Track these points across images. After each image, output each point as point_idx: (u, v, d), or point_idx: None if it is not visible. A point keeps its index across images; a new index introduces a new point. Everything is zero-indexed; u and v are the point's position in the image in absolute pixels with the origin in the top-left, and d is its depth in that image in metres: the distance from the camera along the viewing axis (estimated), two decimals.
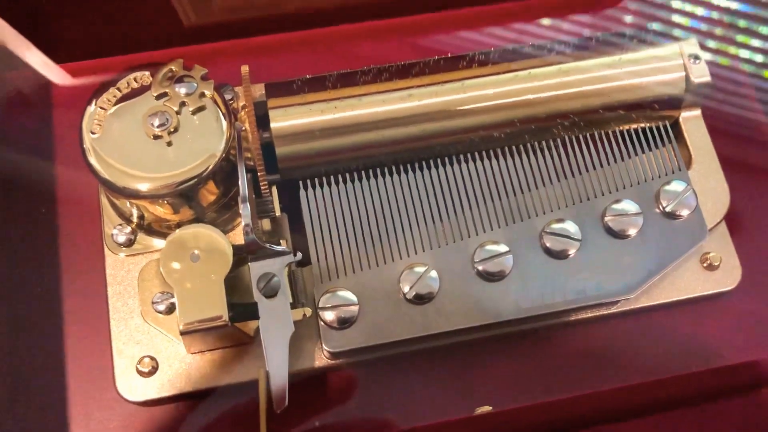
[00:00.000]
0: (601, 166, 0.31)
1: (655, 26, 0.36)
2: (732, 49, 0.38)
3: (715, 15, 0.38)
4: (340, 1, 0.37)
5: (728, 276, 0.31)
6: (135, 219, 0.30)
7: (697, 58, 0.32)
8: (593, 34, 0.35)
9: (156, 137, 0.28)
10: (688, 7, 0.39)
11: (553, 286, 0.29)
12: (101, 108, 0.28)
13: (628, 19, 0.39)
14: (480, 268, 0.29)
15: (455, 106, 0.30)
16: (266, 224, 0.29)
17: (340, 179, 0.30)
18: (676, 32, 0.37)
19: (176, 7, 0.35)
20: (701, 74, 0.32)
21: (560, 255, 0.29)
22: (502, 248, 0.29)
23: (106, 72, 0.33)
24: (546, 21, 0.38)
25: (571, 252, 0.29)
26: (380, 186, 0.30)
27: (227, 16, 0.36)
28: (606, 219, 0.30)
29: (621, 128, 0.32)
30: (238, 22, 0.37)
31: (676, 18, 0.38)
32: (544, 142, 0.31)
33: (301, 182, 0.30)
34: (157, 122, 0.28)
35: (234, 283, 0.28)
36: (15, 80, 0.36)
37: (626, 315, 0.31)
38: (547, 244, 0.29)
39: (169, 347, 0.28)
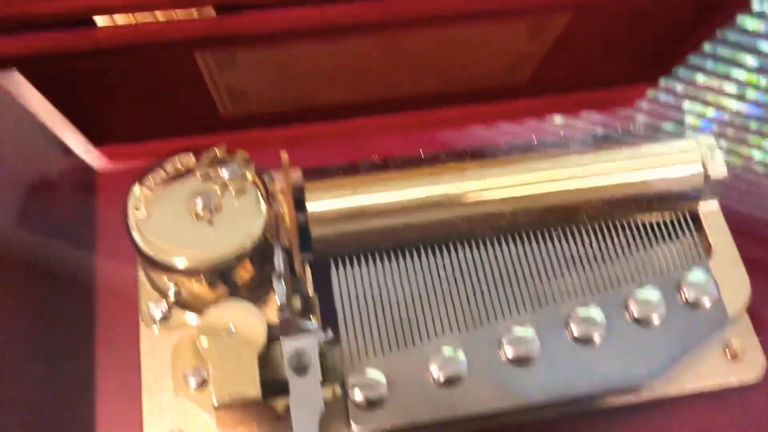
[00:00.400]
0: (624, 254, 0.32)
1: (668, 126, 0.38)
2: (744, 149, 0.39)
3: (726, 116, 0.40)
4: (366, 96, 0.39)
5: (752, 367, 0.31)
6: (171, 295, 0.31)
7: (714, 152, 0.33)
8: (608, 131, 0.36)
9: (198, 217, 0.29)
10: (699, 108, 0.41)
11: (578, 371, 0.29)
12: (147, 188, 0.30)
13: (642, 118, 0.41)
14: (507, 352, 0.29)
15: (483, 194, 0.32)
16: (298, 302, 0.30)
17: (371, 259, 0.31)
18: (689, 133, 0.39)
19: (215, 97, 0.37)
20: (718, 168, 0.33)
21: (586, 341, 0.30)
22: (529, 333, 0.30)
23: (144, 156, 0.35)
24: (558, 119, 0.40)
25: (597, 338, 0.30)
26: (410, 267, 0.31)
27: (262, 107, 0.39)
28: (630, 306, 0.30)
29: (642, 218, 0.33)
30: (272, 113, 0.39)
31: (689, 119, 0.40)
32: (568, 229, 0.32)
33: (332, 261, 0.31)
34: (200, 202, 0.29)
35: (266, 360, 0.28)
36: (58, 162, 0.38)
37: (650, 404, 0.31)
38: (573, 330, 0.30)
39: (201, 422, 0.29)
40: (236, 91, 0.38)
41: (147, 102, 0.37)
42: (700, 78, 0.41)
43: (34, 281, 0.34)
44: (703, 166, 0.33)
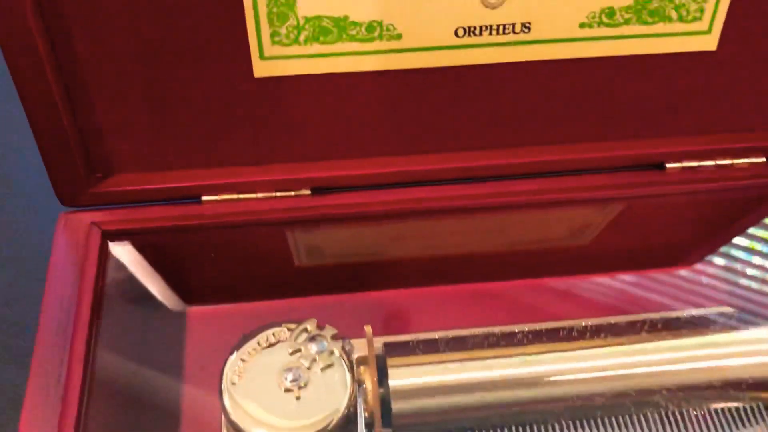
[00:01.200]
0: None
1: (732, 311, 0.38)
2: None
3: None
4: (437, 264, 0.41)
5: None
6: None
7: None
8: (681, 312, 0.37)
9: (287, 390, 0.31)
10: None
11: None
12: (242, 359, 0.32)
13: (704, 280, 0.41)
14: None
15: (567, 374, 0.32)
16: None
17: None
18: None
19: (294, 257, 0.39)
20: None
21: None
22: None
23: (225, 317, 0.37)
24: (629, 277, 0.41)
25: None
26: None
27: (336, 263, 0.41)
28: None
29: (719, 405, 0.33)
30: (347, 274, 0.41)
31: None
32: (642, 415, 0.32)
33: None
34: (290, 377, 0.31)
35: None
36: (148, 318, 0.41)
37: None
38: None
39: None
40: (308, 256, 0.40)
41: (225, 272, 0.40)
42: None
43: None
44: None
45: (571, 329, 0.34)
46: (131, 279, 0.37)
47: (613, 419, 0.32)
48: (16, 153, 0.50)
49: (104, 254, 0.34)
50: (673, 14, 0.34)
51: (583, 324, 0.34)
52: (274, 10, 0.31)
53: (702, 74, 0.36)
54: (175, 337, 0.40)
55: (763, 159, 0.38)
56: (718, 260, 0.41)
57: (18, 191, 0.48)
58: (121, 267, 0.36)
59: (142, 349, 0.39)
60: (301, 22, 0.32)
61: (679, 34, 0.35)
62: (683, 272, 0.42)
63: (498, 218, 0.38)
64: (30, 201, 0.47)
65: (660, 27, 0.34)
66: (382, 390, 0.32)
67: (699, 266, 0.41)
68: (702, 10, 0.34)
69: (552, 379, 0.32)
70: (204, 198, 0.36)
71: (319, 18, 0.32)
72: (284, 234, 0.38)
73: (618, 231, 0.40)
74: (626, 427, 0.32)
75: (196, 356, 0.39)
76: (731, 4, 0.34)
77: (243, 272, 0.39)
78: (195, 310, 0.41)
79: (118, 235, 0.35)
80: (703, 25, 0.35)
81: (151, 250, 0.37)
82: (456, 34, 0.33)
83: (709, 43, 0.35)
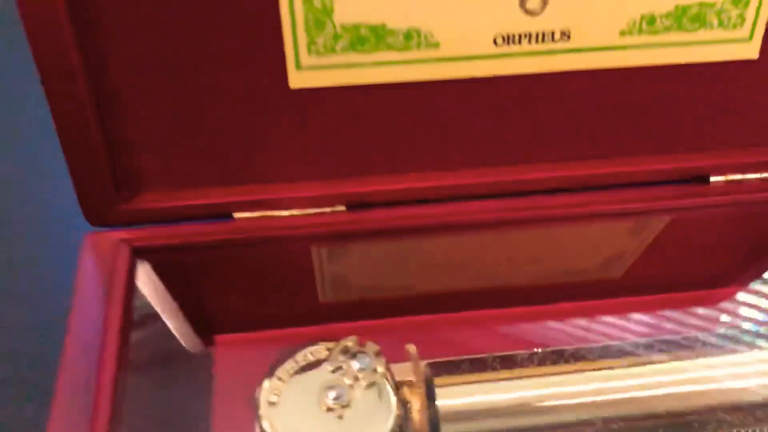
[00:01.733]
0: None
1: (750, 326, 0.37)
2: None
3: None
4: (462, 290, 0.39)
5: None
6: None
7: None
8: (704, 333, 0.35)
9: (329, 410, 0.29)
10: None
11: None
12: (279, 379, 0.30)
13: (744, 311, 0.40)
14: None
15: (623, 391, 0.30)
16: None
17: None
18: None
19: (318, 287, 0.38)
20: None
21: None
22: None
23: (254, 343, 0.35)
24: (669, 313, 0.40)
25: None
26: None
27: (362, 295, 0.39)
28: None
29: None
30: (370, 302, 0.39)
31: None
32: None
33: None
34: (332, 395, 0.29)
35: None
36: (172, 349, 0.39)
37: None
38: None
39: None
40: (340, 278, 0.39)
41: (254, 294, 0.39)
42: None
43: None
44: None
45: (620, 349, 0.33)
46: (159, 300, 0.36)
47: None
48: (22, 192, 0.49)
49: (133, 272, 0.32)
50: (714, 20, 0.33)
51: (635, 341, 0.33)
52: (311, 17, 0.31)
53: (744, 83, 0.35)
54: (202, 362, 0.38)
55: None
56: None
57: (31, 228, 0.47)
58: (149, 286, 0.35)
59: (168, 373, 0.37)
60: (339, 30, 0.31)
61: (720, 42, 0.34)
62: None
63: (538, 234, 0.36)
64: (44, 232, 0.46)
65: (701, 34, 0.34)
66: (430, 410, 0.30)
67: (746, 285, 0.40)
68: (742, 16, 0.33)
69: (606, 398, 0.31)
70: (236, 215, 0.35)
71: (357, 26, 0.31)
72: (318, 253, 0.36)
73: (663, 248, 0.38)
74: None
75: (226, 382, 0.37)
76: None
77: (275, 295, 0.38)
78: (224, 337, 0.39)
79: (147, 252, 0.33)
80: (744, 32, 0.34)
81: (181, 270, 0.36)
82: (495, 42, 0.32)
83: (751, 51, 0.35)
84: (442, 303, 0.40)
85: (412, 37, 0.32)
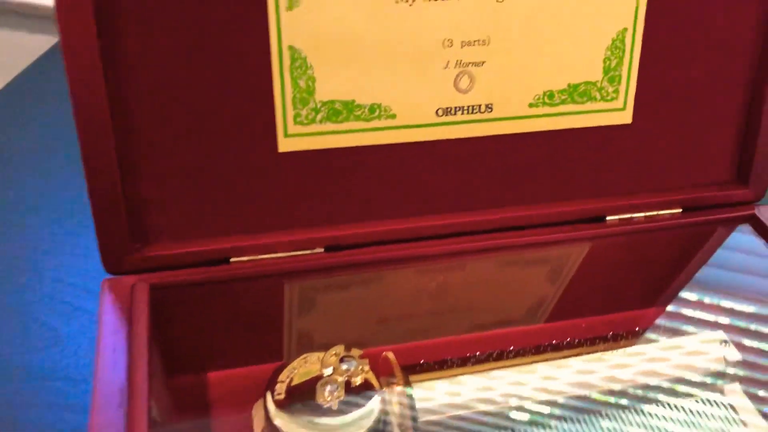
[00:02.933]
0: None
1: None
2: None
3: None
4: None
5: None
6: None
7: (726, 342, 0.41)
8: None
9: (327, 403, 0.36)
10: None
11: None
12: (281, 381, 0.37)
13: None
14: None
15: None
16: None
17: None
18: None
19: (285, 340, 0.45)
20: (734, 354, 0.41)
21: None
22: None
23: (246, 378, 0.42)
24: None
25: None
26: None
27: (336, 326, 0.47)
28: None
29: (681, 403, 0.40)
30: None
31: None
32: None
33: None
34: (328, 389, 0.36)
35: None
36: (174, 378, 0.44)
37: None
38: None
39: None
40: (304, 336, 0.46)
41: (227, 335, 0.45)
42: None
43: None
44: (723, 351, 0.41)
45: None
46: (161, 337, 0.42)
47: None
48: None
49: (153, 307, 0.39)
50: (597, 95, 0.44)
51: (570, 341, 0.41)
52: (298, 95, 0.39)
53: (622, 142, 0.46)
54: (199, 397, 0.43)
55: (680, 210, 0.48)
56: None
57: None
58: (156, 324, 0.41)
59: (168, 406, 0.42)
60: (318, 105, 0.40)
61: (602, 111, 0.45)
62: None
63: (476, 267, 0.45)
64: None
65: (588, 105, 0.45)
66: (408, 401, 0.37)
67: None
68: (617, 91, 0.45)
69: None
70: (232, 259, 0.42)
71: (332, 102, 0.40)
72: (300, 291, 0.44)
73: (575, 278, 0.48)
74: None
75: (223, 417, 0.42)
76: (638, 87, 0.45)
77: (266, 331, 0.45)
78: (216, 374, 0.45)
79: (162, 290, 0.40)
80: (619, 103, 0.45)
81: (183, 308, 0.42)
82: (437, 113, 0.42)
83: (625, 117, 0.46)
84: (425, 332, 0.47)
85: (375, 110, 0.41)
